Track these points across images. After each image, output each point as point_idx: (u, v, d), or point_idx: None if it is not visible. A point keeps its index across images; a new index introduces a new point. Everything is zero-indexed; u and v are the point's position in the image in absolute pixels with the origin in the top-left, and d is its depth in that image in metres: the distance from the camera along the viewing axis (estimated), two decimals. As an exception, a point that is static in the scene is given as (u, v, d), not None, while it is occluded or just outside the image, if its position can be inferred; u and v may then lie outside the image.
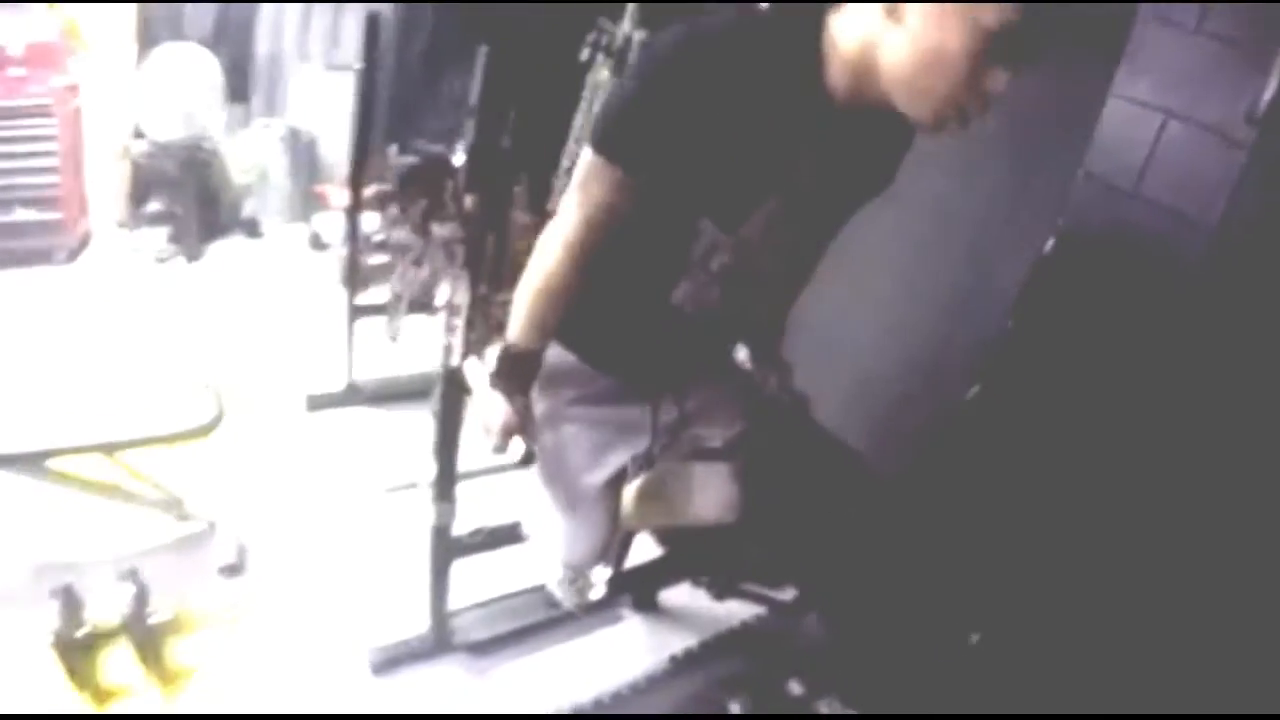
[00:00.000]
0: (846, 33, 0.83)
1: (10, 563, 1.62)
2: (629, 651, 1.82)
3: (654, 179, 0.87)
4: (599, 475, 1.11)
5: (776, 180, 0.90)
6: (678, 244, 0.95)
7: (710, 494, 1.22)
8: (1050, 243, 1.57)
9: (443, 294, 1.17)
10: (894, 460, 1.88)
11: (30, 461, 1.53)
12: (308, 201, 3.48)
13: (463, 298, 1.13)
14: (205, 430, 1.68)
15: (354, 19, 3.29)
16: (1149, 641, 1.46)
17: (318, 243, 3.37)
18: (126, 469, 1.67)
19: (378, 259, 2.34)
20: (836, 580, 1.87)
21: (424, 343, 2.31)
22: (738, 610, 1.99)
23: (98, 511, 1.70)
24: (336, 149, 3.37)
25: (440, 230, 1.10)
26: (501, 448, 0.98)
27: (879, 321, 1.89)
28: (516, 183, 2.09)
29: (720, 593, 1.96)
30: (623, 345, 1.05)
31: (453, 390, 1.21)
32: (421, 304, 2.17)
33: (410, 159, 1.11)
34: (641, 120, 0.86)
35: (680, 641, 1.90)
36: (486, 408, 1.00)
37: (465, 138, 1.29)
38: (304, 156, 3.49)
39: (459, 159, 1.23)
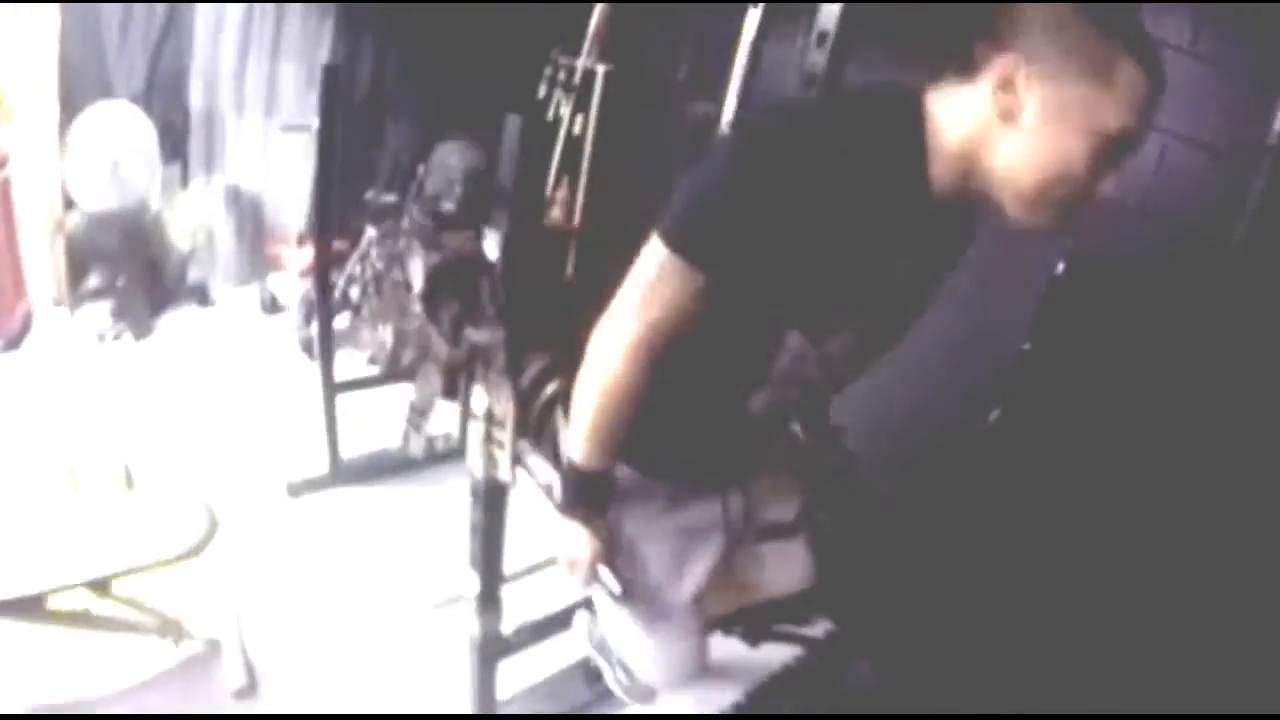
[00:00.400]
0: (953, 126, 0.76)
1: (12, 708, 1.47)
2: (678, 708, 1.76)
3: (741, 285, 0.79)
4: (686, 588, 1.03)
5: (873, 285, 0.84)
6: (759, 355, 0.88)
7: (789, 570, 1.17)
8: (1061, 266, 1.58)
9: (479, 401, 1.07)
10: (916, 490, 1.87)
11: (19, 606, 1.38)
12: (256, 262, 3.31)
13: (505, 406, 1.05)
14: (200, 548, 1.55)
15: (291, 67, 3.13)
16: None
17: (272, 306, 3.20)
18: (118, 598, 1.53)
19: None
20: (876, 614, 1.85)
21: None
22: (774, 653, 1.95)
23: (93, 644, 1.56)
24: (282, 205, 3.22)
25: (476, 335, 1.01)
26: (591, 580, 0.91)
27: (896, 356, 1.87)
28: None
29: (755, 638, 1.92)
30: (689, 453, 0.98)
31: (496, 504, 1.14)
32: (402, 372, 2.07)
33: (432, 257, 1.01)
34: (732, 219, 0.77)
35: (723, 695, 1.85)
36: (567, 541, 0.92)
37: (497, 224, 1.19)
38: (248, 215, 3.31)
39: (491, 249, 1.14)
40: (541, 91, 2.46)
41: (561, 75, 2.44)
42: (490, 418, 1.05)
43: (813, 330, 0.85)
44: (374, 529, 2.09)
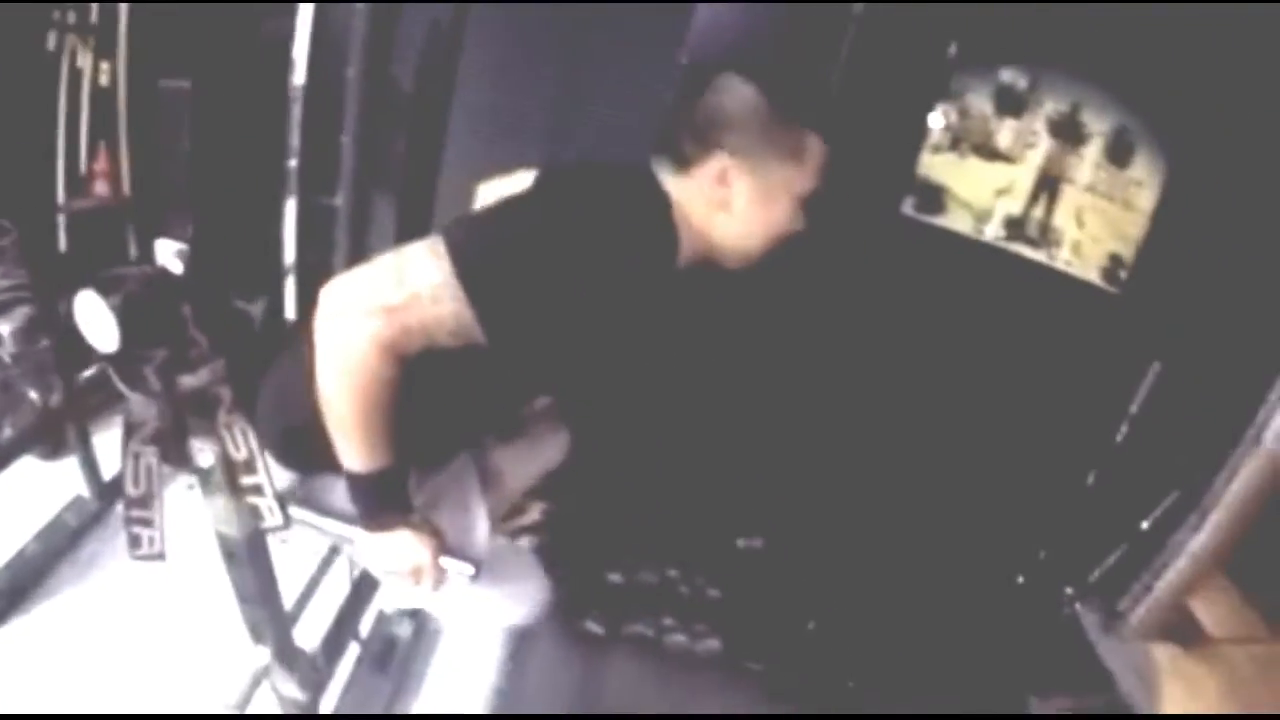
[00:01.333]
0: (688, 209, 0.89)
1: None
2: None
3: (510, 342, 0.81)
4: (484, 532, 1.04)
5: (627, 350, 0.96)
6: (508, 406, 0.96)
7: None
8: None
9: (202, 455, 0.86)
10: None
11: None
12: None
13: (249, 447, 0.85)
14: None
15: None
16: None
17: None
18: None
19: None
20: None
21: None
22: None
23: None
24: None
25: (191, 380, 0.76)
26: (442, 578, 0.85)
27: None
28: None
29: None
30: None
31: (262, 558, 0.97)
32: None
33: (113, 298, 0.67)
34: (528, 274, 0.79)
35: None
36: (395, 553, 0.84)
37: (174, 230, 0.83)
38: None
39: (174, 264, 0.82)
40: (50, 41, 1.77)
41: (72, 17, 1.77)
42: (230, 467, 0.86)
43: (570, 391, 0.97)
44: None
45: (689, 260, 0.91)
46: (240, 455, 0.86)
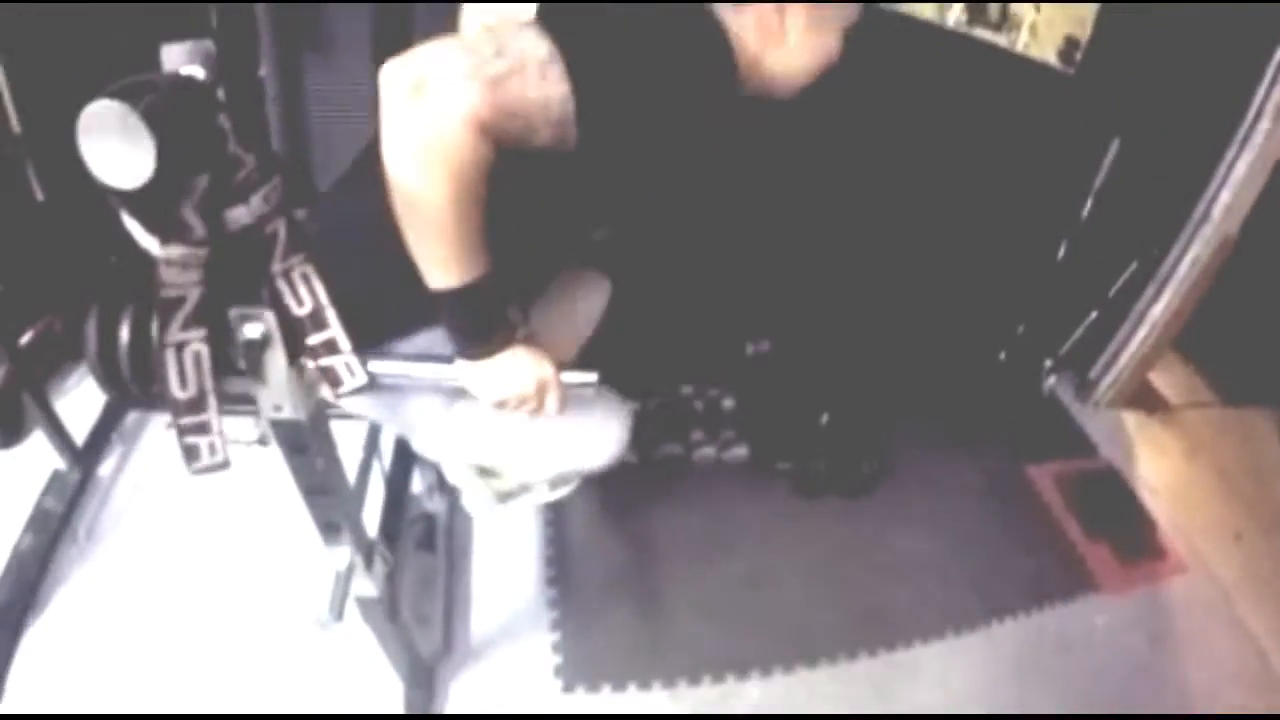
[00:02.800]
0: (742, 41, 0.89)
1: None
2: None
3: (603, 116, 0.76)
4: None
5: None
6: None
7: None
8: None
9: (251, 327, 0.75)
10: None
11: None
12: None
13: (315, 297, 0.75)
14: None
15: None
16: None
17: None
18: None
19: None
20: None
21: None
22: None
23: None
24: None
25: (243, 213, 0.63)
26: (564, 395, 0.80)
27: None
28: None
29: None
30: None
31: (326, 425, 0.88)
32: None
33: (141, 122, 0.51)
34: (628, 72, 0.77)
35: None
36: (509, 380, 0.79)
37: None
38: None
39: (197, 71, 0.66)
40: None
41: None
42: (292, 326, 0.76)
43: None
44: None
45: (744, 89, 0.93)
46: (305, 309, 0.76)
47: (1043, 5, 1.89)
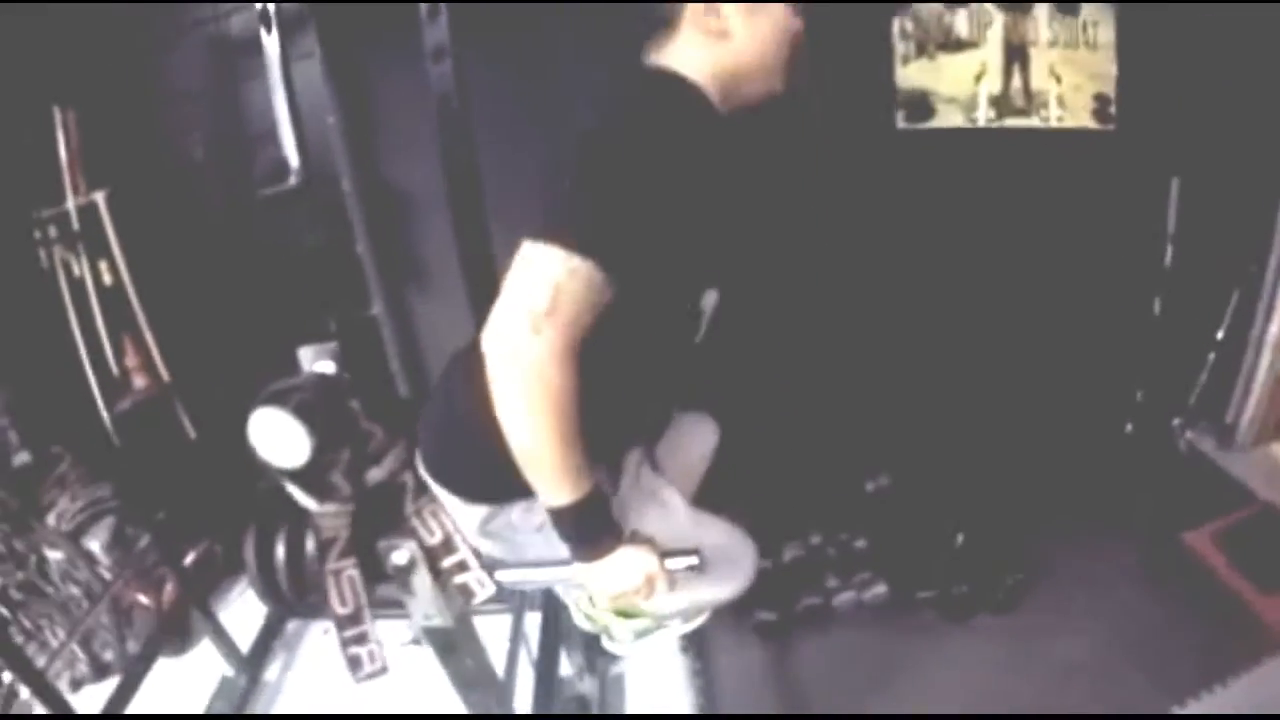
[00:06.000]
0: (699, 70, 0.88)
1: None
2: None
3: (658, 269, 0.82)
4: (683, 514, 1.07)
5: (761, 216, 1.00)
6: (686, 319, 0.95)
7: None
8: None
9: (425, 532, 0.85)
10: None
11: None
12: None
13: (443, 528, 0.84)
14: None
15: None
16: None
17: None
18: None
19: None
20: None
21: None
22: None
23: None
24: None
25: (378, 472, 0.76)
26: (672, 582, 0.85)
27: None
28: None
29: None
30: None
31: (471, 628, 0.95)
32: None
33: (290, 398, 0.66)
34: (640, 213, 0.78)
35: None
36: (621, 576, 0.85)
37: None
38: None
39: (329, 366, 0.82)
40: (42, 260, 1.83)
41: (53, 231, 1.82)
42: (430, 553, 0.85)
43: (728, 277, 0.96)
44: None
45: (730, 106, 0.92)
46: (436, 538, 0.86)
47: (1062, 74, 1.93)
